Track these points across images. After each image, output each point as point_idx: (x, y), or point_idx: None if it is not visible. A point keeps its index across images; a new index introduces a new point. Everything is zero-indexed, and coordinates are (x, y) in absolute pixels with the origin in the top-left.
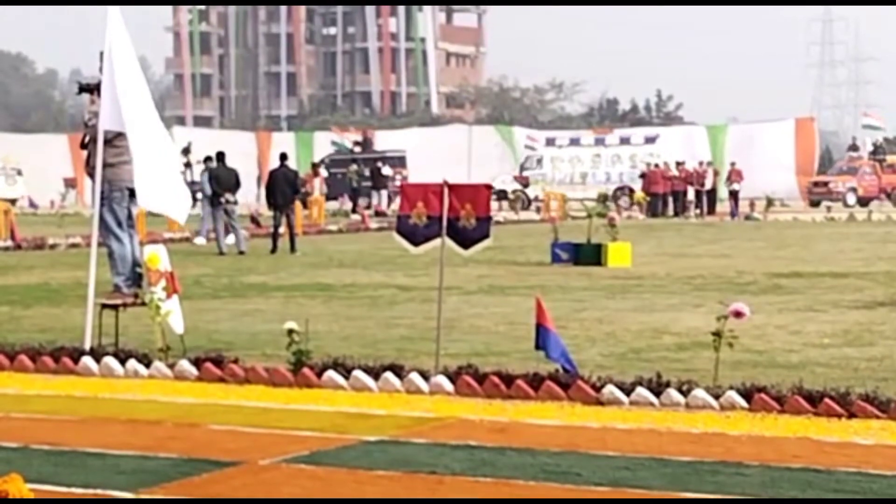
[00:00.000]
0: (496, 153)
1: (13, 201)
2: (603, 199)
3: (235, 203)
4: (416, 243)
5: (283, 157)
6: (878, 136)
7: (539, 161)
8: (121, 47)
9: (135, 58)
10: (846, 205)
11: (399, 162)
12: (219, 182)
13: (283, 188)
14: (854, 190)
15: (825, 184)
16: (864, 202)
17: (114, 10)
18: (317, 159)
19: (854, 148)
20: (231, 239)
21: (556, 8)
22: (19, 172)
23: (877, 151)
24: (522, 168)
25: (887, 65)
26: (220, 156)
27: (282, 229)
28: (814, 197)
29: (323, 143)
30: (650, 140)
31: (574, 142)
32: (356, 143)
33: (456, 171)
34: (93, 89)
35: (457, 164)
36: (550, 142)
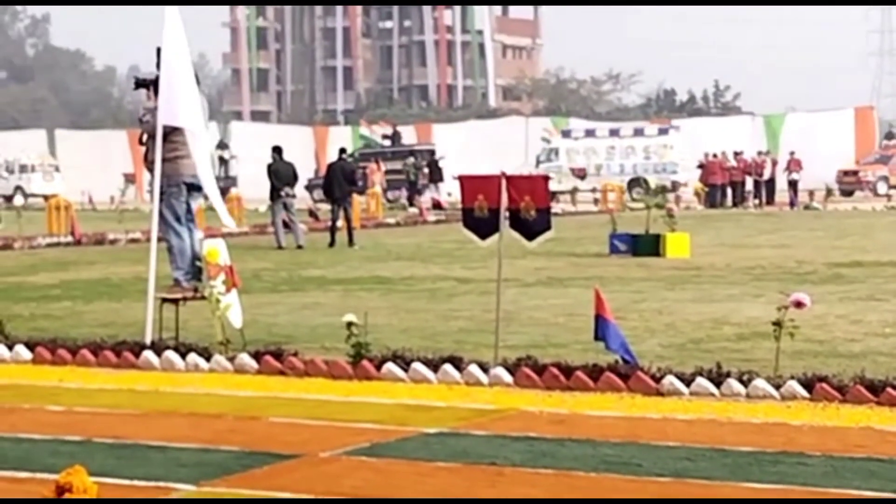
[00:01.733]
0: None
1: (47, 198)
2: (660, 190)
3: (294, 197)
4: (482, 236)
5: (343, 150)
6: None
7: (556, 152)
8: (178, 46)
9: (189, 60)
10: (877, 194)
11: (428, 156)
12: (278, 176)
13: (340, 181)
14: (885, 179)
15: (854, 173)
16: None
17: (172, 10)
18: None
19: (890, 136)
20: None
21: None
22: (56, 169)
23: None
24: (539, 161)
25: None
26: (278, 150)
27: (339, 223)
28: (843, 186)
29: (378, 137)
30: (663, 132)
31: (589, 133)
32: (385, 137)
33: (513, 164)
34: (149, 84)
35: (514, 157)
36: (566, 134)
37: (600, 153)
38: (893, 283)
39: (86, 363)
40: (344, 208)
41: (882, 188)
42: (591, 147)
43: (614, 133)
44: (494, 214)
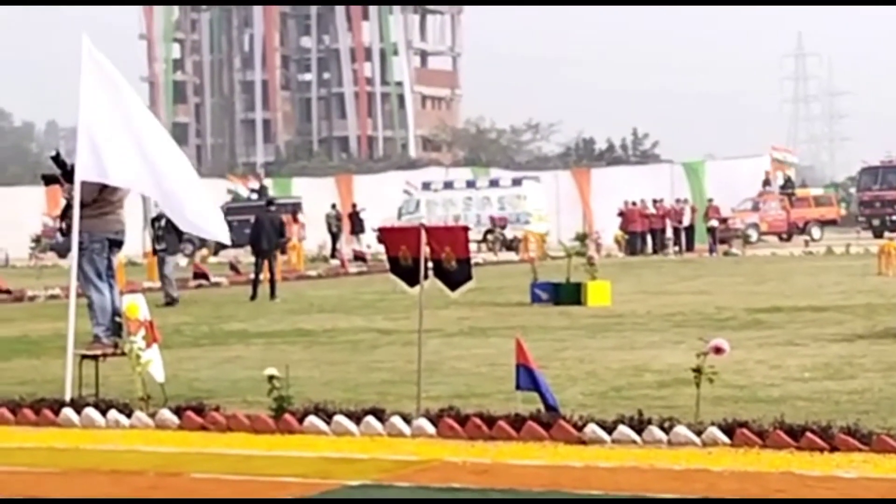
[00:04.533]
0: None
1: None
2: (582, 238)
3: (175, 253)
4: (410, 284)
5: (270, 202)
6: (790, 171)
7: (417, 205)
8: (102, 87)
9: (123, 101)
10: (747, 242)
11: (294, 209)
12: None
13: (269, 234)
14: (756, 226)
15: (724, 220)
16: (783, 237)
17: (85, 40)
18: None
19: (766, 183)
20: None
21: (531, 48)
22: None
23: (786, 185)
24: (401, 212)
25: (862, 97)
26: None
27: (262, 275)
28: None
29: (299, 190)
30: (517, 183)
31: (448, 185)
32: (252, 191)
33: (382, 216)
34: (57, 180)
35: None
36: (426, 186)
37: (458, 204)
38: (811, 328)
39: (4, 421)
40: (269, 261)
41: (753, 235)
42: (450, 198)
43: (471, 185)
44: (418, 264)
